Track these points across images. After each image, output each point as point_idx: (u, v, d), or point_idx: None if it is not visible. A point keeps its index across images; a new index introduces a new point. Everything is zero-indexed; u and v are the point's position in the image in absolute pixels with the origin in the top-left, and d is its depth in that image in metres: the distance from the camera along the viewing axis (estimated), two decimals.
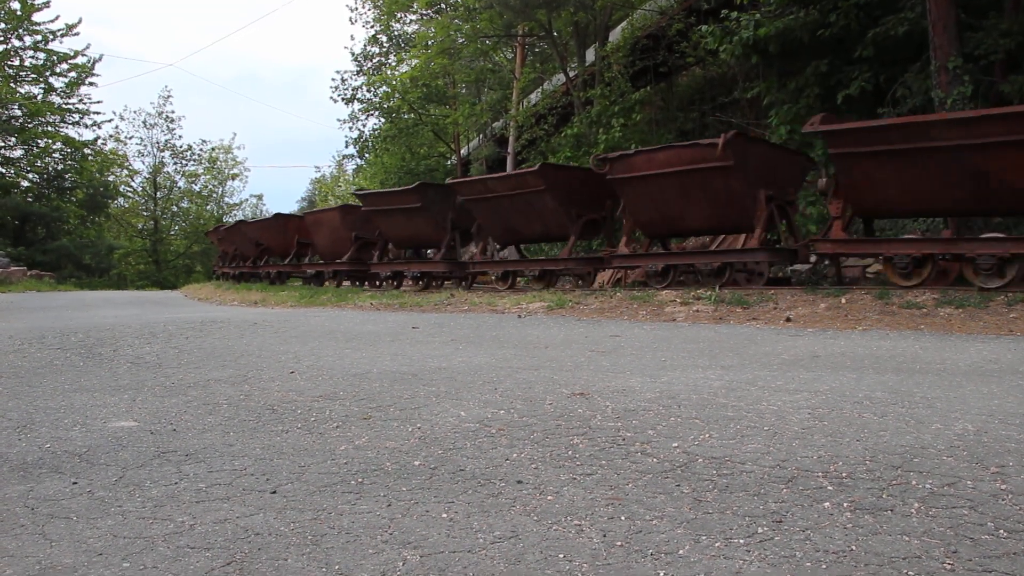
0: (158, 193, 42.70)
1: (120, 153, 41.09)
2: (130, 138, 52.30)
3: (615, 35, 17.18)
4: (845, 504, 1.79)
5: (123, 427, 2.79)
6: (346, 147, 42.39)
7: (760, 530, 1.65)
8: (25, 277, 22.35)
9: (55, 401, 3.31)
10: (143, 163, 42.75)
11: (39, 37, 31.64)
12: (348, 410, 2.97)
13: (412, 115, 27.75)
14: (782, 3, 11.19)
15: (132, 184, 42.68)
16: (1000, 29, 9.13)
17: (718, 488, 1.93)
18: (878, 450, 2.20)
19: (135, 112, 56.44)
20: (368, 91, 28.06)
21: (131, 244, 41.73)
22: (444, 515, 1.80)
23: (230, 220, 38.36)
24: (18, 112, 31.37)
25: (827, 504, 1.79)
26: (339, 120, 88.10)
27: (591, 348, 4.71)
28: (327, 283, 14.88)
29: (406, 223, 12.38)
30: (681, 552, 1.55)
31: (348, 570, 1.51)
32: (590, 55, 17.90)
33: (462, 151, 28.31)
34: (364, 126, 29.63)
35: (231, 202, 46.44)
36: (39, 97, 32.43)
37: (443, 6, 23.23)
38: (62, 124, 33.40)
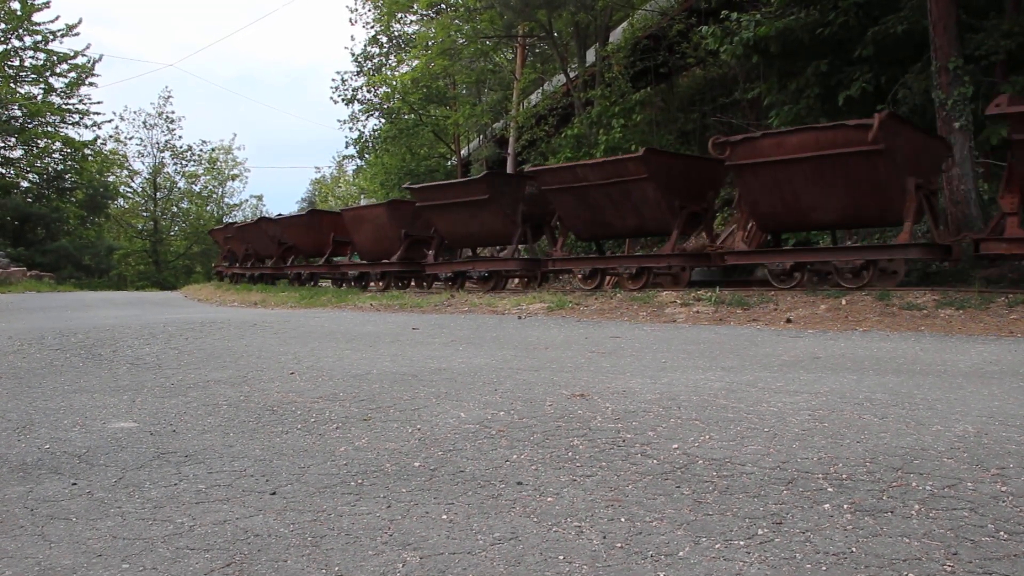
0: (158, 194, 42.71)
1: (120, 153, 41.14)
2: (130, 138, 52.40)
3: (616, 35, 17.19)
4: (845, 506, 1.78)
5: (123, 428, 2.79)
6: (346, 148, 42.45)
7: (760, 532, 1.65)
8: (25, 278, 22.34)
9: (55, 402, 3.31)
10: (143, 164, 42.80)
11: (39, 37, 31.64)
12: (348, 411, 2.97)
13: (412, 116, 27.77)
14: (782, 3, 11.19)
15: (132, 185, 42.71)
16: (1001, 30, 9.13)
17: (718, 490, 1.93)
18: (878, 452, 2.20)
19: (135, 112, 56.55)
20: (368, 92, 28.09)
21: (131, 245, 41.75)
22: (444, 516, 1.80)
23: (230, 220, 38.38)
24: (18, 112, 31.36)
25: (827, 506, 1.79)
26: (339, 121, 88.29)
27: (591, 349, 4.71)
28: (372, 285, 13.79)
29: (469, 218, 11.20)
30: (681, 554, 1.55)
31: (348, 571, 1.50)
32: (590, 56, 17.91)
33: (462, 152, 28.32)
34: (364, 127, 29.70)
35: (231, 203, 46.49)
36: (39, 97, 32.42)
37: (443, 7, 23.23)
38: (62, 124, 33.39)
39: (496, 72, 23.87)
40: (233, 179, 46.15)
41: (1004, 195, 6.88)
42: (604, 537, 1.65)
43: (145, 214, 43.17)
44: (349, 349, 4.94)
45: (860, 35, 10.34)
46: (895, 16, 9.88)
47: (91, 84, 34.92)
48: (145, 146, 43.45)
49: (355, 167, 39.47)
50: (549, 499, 1.90)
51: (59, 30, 31.86)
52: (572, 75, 17.53)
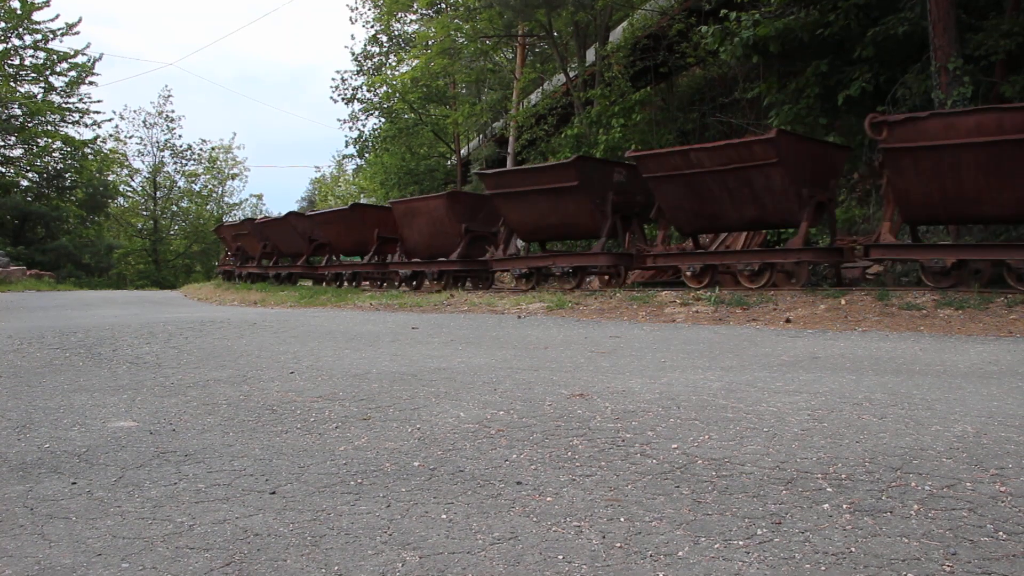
0: (158, 193, 42.72)
1: (120, 152, 41.14)
2: (130, 137, 52.32)
3: (615, 35, 17.19)
4: (844, 506, 1.79)
5: (122, 427, 2.79)
6: (346, 147, 42.45)
7: (759, 532, 1.65)
8: (24, 276, 22.33)
9: (54, 401, 3.31)
10: (143, 163, 42.80)
11: (39, 36, 31.66)
12: (347, 411, 2.97)
13: (412, 115, 27.78)
14: (782, 3, 11.20)
15: (132, 184, 42.73)
16: (1000, 30, 9.13)
17: (717, 489, 1.93)
18: (877, 452, 2.20)
19: (135, 111, 56.47)
20: (368, 91, 28.09)
21: (131, 244, 41.75)
22: (443, 516, 1.80)
23: (229, 219, 38.37)
24: (18, 111, 31.36)
25: (826, 506, 1.79)
26: (339, 120, 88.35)
27: (591, 349, 4.71)
28: (428, 284, 12.47)
29: (550, 208, 10.02)
30: (680, 553, 1.55)
31: (347, 571, 1.50)
32: (590, 55, 17.91)
33: (462, 151, 28.33)
34: (364, 126, 29.69)
35: (231, 202, 46.50)
36: (39, 96, 32.43)
37: (443, 6, 23.24)
38: (62, 123, 33.40)
39: (496, 71, 23.88)
40: (233, 178, 46.23)
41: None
42: (603, 537, 1.65)
43: (145, 213, 43.18)
44: (349, 348, 4.94)
45: (860, 35, 10.35)
46: (895, 17, 9.88)
47: (91, 83, 35.02)
48: (145, 145, 43.38)
49: (355, 167, 39.48)
50: (548, 499, 1.90)
51: (59, 29, 31.91)
52: (572, 75, 17.54)
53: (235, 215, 43.53)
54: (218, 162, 44.98)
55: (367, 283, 14.56)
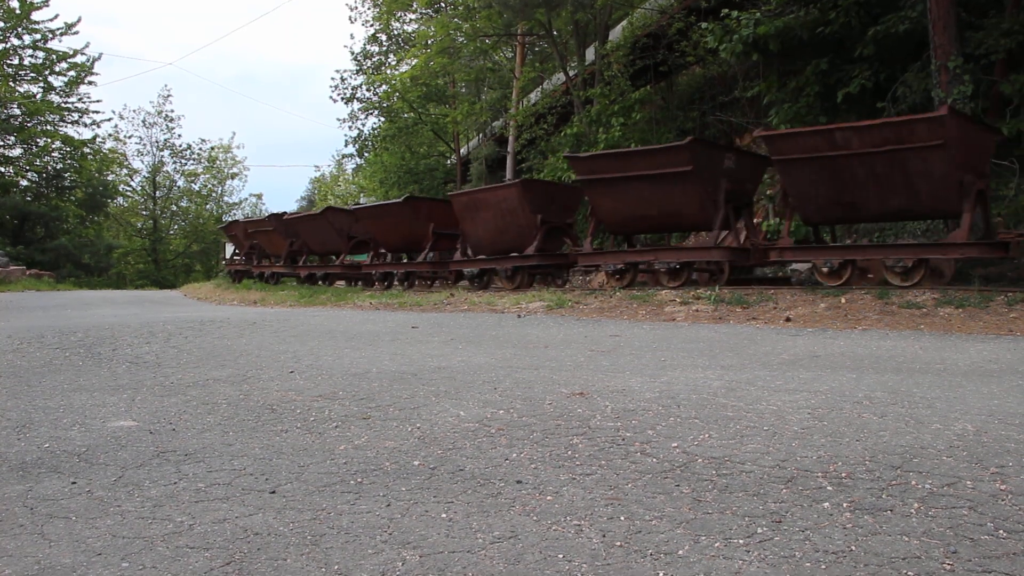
0: (157, 192, 42.75)
1: (119, 152, 41.15)
2: (129, 137, 52.36)
3: (615, 34, 17.19)
4: (845, 504, 1.79)
5: (122, 427, 2.79)
6: (346, 146, 42.48)
7: (760, 530, 1.65)
8: (24, 276, 22.32)
9: (54, 401, 3.31)
10: (142, 162, 42.87)
11: (38, 36, 31.65)
12: (347, 410, 2.97)
13: (412, 114, 27.77)
14: (782, 2, 11.20)
15: (131, 183, 42.76)
16: (1001, 28, 9.13)
17: (718, 488, 1.93)
18: (878, 450, 2.20)
19: (134, 111, 56.53)
20: (368, 90, 28.10)
21: (130, 243, 41.79)
22: (443, 515, 1.80)
23: (229, 218, 38.34)
24: (17, 111, 31.36)
25: (827, 504, 1.79)
26: (339, 119, 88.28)
27: (591, 348, 4.71)
28: (499, 282, 11.25)
29: (652, 196, 8.92)
30: (680, 552, 1.55)
31: (347, 570, 1.50)
32: (590, 54, 17.91)
33: (462, 150, 28.33)
34: (364, 125, 29.70)
35: (230, 201, 46.51)
36: (38, 96, 32.42)
37: (443, 5, 23.24)
38: (61, 123, 33.41)
39: (495, 70, 23.86)
40: (233, 178, 46.27)
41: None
42: (603, 536, 1.65)
43: (144, 213, 43.22)
44: (349, 348, 4.94)
45: (861, 34, 10.34)
46: (896, 15, 9.88)
47: (90, 83, 35.05)
48: (144, 145, 43.41)
49: (355, 166, 39.50)
50: (548, 498, 1.90)
51: (58, 29, 31.91)
52: (571, 74, 17.53)
53: (234, 214, 43.54)
54: (217, 162, 45.02)
55: (416, 283, 13.46)
